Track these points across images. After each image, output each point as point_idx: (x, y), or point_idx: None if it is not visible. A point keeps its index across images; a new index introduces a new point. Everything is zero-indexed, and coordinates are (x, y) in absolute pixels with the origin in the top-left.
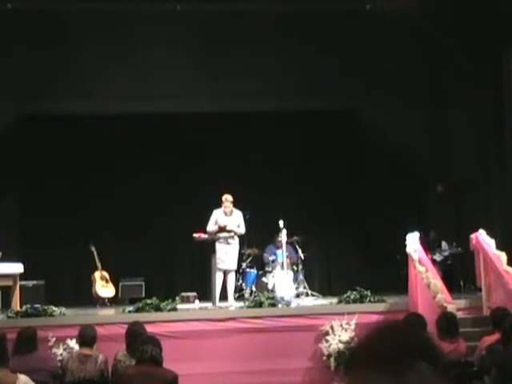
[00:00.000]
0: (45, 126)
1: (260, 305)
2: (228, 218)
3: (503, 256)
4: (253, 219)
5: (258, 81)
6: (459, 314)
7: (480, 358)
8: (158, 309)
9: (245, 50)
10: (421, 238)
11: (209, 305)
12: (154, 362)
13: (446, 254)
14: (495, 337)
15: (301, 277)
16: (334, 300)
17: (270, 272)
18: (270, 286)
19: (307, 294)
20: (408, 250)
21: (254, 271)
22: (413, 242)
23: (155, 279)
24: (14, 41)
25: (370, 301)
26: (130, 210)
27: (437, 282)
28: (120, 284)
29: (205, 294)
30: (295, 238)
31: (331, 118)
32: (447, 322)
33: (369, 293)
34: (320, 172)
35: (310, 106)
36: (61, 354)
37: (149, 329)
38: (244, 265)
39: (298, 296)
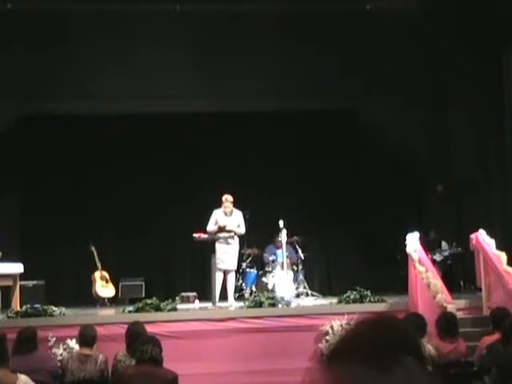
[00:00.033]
0: (45, 126)
1: (260, 305)
2: (228, 218)
3: (503, 256)
4: (253, 219)
5: (258, 81)
6: (459, 314)
7: (480, 357)
8: (158, 309)
9: (245, 50)
10: (421, 238)
11: (209, 305)
12: (154, 362)
13: (446, 253)
14: (495, 337)
15: (301, 277)
16: (334, 300)
17: (270, 272)
18: (269, 286)
19: (307, 294)
20: (408, 249)
21: (253, 271)
22: (413, 242)
23: (155, 279)
24: (14, 41)
25: (370, 301)
26: (130, 210)
27: (437, 282)
28: (120, 284)
29: (205, 294)
30: (295, 237)
31: (331, 118)
32: (447, 322)
33: (369, 293)
34: (320, 172)
35: (309, 106)
36: (61, 354)
37: (149, 329)
38: (244, 265)
39: (298, 296)
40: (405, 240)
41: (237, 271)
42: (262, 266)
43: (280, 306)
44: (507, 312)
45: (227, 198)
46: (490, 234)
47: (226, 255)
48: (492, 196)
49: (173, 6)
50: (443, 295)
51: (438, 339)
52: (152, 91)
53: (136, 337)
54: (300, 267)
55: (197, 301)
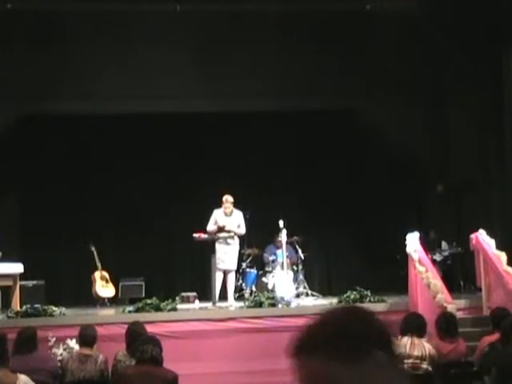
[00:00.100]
0: (45, 126)
1: (260, 305)
2: (228, 218)
3: (503, 256)
4: (253, 219)
5: (258, 81)
6: (459, 314)
7: (480, 358)
8: (158, 309)
9: (245, 50)
10: (421, 238)
11: (209, 305)
12: (154, 362)
13: (446, 253)
14: (495, 337)
15: (301, 277)
16: (334, 300)
17: (270, 272)
18: (270, 286)
19: (307, 294)
20: (408, 249)
21: (253, 271)
22: (413, 242)
23: (155, 279)
24: (14, 41)
25: (370, 301)
26: (130, 210)
27: (437, 282)
28: (120, 284)
29: (205, 294)
30: (295, 237)
31: (331, 118)
32: (446, 322)
33: (369, 293)
34: (320, 172)
35: (309, 106)
36: (61, 354)
37: (149, 329)
38: (244, 265)
39: (298, 296)
40: (405, 240)
41: (237, 271)
42: (262, 265)
43: (280, 306)
44: (507, 312)
45: (227, 199)
46: (490, 234)
47: (226, 255)
48: (492, 196)
49: (173, 6)
50: (443, 295)
51: (437, 339)
52: (152, 91)
53: (136, 337)
54: (300, 267)
55: (197, 301)
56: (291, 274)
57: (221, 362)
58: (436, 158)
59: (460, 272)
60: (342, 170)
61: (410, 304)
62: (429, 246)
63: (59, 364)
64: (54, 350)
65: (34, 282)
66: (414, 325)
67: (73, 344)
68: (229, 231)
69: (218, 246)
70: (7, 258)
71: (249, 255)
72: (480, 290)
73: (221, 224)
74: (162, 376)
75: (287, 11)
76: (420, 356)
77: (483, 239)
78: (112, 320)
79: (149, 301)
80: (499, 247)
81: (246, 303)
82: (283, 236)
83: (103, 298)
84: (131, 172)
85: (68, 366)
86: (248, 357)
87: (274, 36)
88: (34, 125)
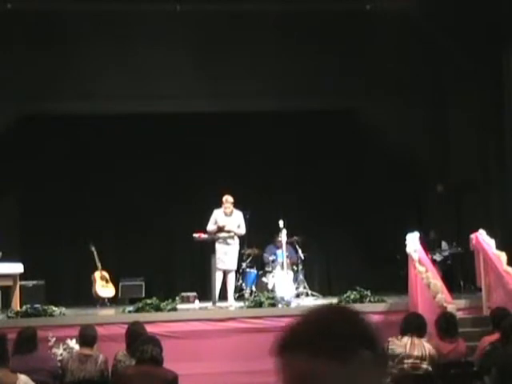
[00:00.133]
0: (45, 126)
1: (260, 305)
2: (228, 218)
3: (503, 256)
4: (253, 219)
5: (258, 81)
6: (459, 314)
7: (480, 357)
8: (158, 309)
9: (245, 50)
10: (421, 238)
11: (209, 305)
12: (154, 362)
13: (446, 253)
14: (495, 337)
15: (301, 277)
16: (334, 300)
17: (270, 272)
18: (270, 286)
19: (307, 294)
20: (408, 249)
21: (253, 271)
22: (413, 242)
23: (155, 279)
24: (14, 41)
25: (370, 301)
26: (130, 210)
27: (437, 282)
28: (120, 284)
29: (205, 294)
30: (295, 237)
31: (331, 118)
32: (446, 322)
33: (369, 293)
34: (320, 172)
35: (309, 106)
36: (61, 354)
37: (149, 329)
38: (244, 265)
39: (298, 296)
40: (405, 240)
41: (237, 271)
42: (262, 265)
43: (280, 305)
44: (507, 312)
45: (227, 199)
46: (490, 234)
47: (226, 256)
48: (492, 196)
49: (173, 6)
50: (443, 295)
51: (437, 339)
52: (152, 91)
53: (136, 337)
54: (300, 267)
55: (197, 301)
56: (291, 273)
57: (221, 362)
58: (436, 158)
59: (460, 272)
60: (342, 170)
61: (410, 304)
62: (429, 246)
63: (59, 364)
64: (54, 350)
65: (34, 282)
66: (414, 325)
67: (73, 344)
68: (229, 231)
69: (217, 246)
70: (7, 257)
71: (249, 255)
72: (480, 290)
73: (221, 224)
74: (162, 376)
75: (287, 11)
76: (420, 356)
77: (483, 239)
78: (112, 320)
79: (149, 301)
80: (499, 247)
81: (246, 303)
82: (283, 236)
83: (103, 298)
84: (131, 172)
85: (68, 365)
86: (248, 357)
87: (274, 36)
88: (33, 125)
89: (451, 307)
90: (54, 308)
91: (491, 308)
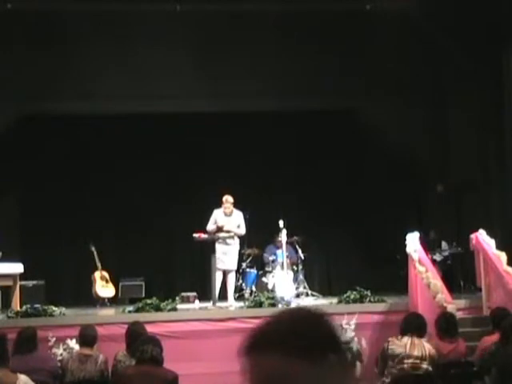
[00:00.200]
0: (45, 126)
1: (260, 305)
2: (227, 218)
3: (503, 256)
4: (253, 219)
5: (258, 81)
6: (459, 314)
7: (480, 357)
8: (158, 309)
9: (245, 50)
10: (421, 238)
11: (209, 305)
12: (154, 362)
13: (446, 253)
14: (495, 337)
15: (301, 277)
16: (334, 300)
17: (270, 272)
18: (270, 286)
19: (307, 294)
20: (408, 249)
21: (253, 271)
22: (413, 242)
23: (155, 279)
24: (14, 41)
25: (370, 301)
26: (130, 210)
27: (437, 282)
28: (120, 284)
29: (205, 294)
30: (295, 237)
31: (331, 118)
32: (446, 322)
33: (369, 293)
34: (320, 172)
35: (309, 106)
36: (61, 354)
37: (149, 329)
38: (244, 265)
39: (298, 296)
40: (405, 240)
41: (237, 271)
42: (262, 265)
43: (280, 306)
44: (507, 312)
45: (227, 199)
46: (490, 234)
47: (225, 256)
48: (492, 196)
49: (173, 6)
50: (443, 295)
51: (437, 339)
52: (152, 91)
53: (136, 337)
54: (300, 267)
55: (197, 301)
56: (291, 273)
57: (221, 362)
58: (436, 158)
59: (460, 272)
60: (342, 170)
61: (410, 304)
62: (429, 246)
63: (59, 364)
64: (54, 350)
65: (34, 282)
66: (414, 325)
67: (73, 344)
68: (228, 231)
69: (217, 246)
70: (7, 257)
71: (249, 255)
72: (480, 290)
73: (220, 224)
74: (162, 376)
75: (287, 11)
76: (420, 356)
77: (483, 239)
78: (112, 320)
79: (149, 301)
80: (499, 247)
81: (246, 303)
82: (283, 236)
83: (103, 298)
84: (131, 172)
85: (68, 365)
86: None
87: (274, 36)
88: (33, 125)
89: (451, 307)
90: (54, 308)
91: (491, 308)
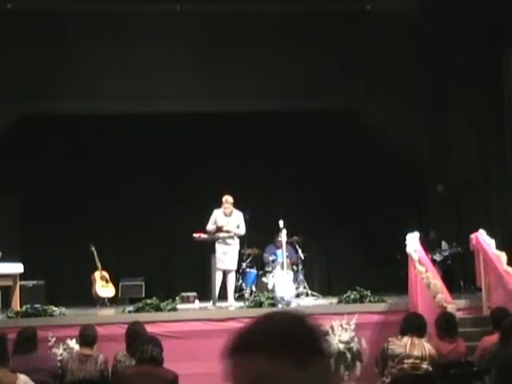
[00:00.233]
0: (45, 126)
1: (260, 305)
2: (227, 218)
3: (503, 256)
4: (253, 219)
5: (258, 81)
6: (459, 314)
7: (480, 357)
8: (158, 309)
9: (245, 50)
10: (421, 238)
11: (209, 305)
12: (154, 362)
13: (446, 253)
14: (495, 337)
15: (301, 277)
16: (334, 300)
17: (270, 272)
18: (270, 286)
19: (307, 294)
20: (408, 249)
21: (253, 271)
22: (413, 242)
23: (155, 279)
24: (14, 41)
25: (370, 301)
26: (130, 210)
27: (437, 282)
28: (120, 284)
29: (205, 294)
30: (295, 237)
31: (331, 118)
32: (446, 322)
33: (369, 293)
34: (320, 172)
35: (309, 106)
36: (61, 354)
37: (149, 329)
38: (244, 265)
39: (298, 296)
40: (405, 240)
41: (237, 271)
42: (262, 265)
43: (280, 306)
44: (507, 312)
45: (227, 199)
46: (490, 234)
47: (225, 256)
48: (492, 196)
49: (173, 6)
50: (443, 295)
51: (437, 339)
52: (152, 91)
53: (136, 337)
54: (300, 267)
55: (197, 301)
56: (291, 273)
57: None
58: (436, 158)
59: (460, 272)
60: (342, 170)
61: (410, 304)
62: (429, 246)
63: (59, 364)
64: (54, 350)
65: (34, 282)
66: (414, 325)
67: (73, 344)
68: (228, 231)
69: (217, 246)
70: (7, 257)
71: (249, 255)
72: (480, 290)
73: (220, 224)
74: (162, 376)
75: (287, 11)
76: (420, 356)
77: (483, 239)
78: (112, 320)
79: (149, 301)
80: (499, 247)
81: (246, 303)
82: (283, 236)
83: (103, 298)
84: (131, 172)
85: (68, 365)
86: None
87: (274, 36)
88: (33, 125)
89: (451, 307)
90: (54, 308)
91: (491, 308)
